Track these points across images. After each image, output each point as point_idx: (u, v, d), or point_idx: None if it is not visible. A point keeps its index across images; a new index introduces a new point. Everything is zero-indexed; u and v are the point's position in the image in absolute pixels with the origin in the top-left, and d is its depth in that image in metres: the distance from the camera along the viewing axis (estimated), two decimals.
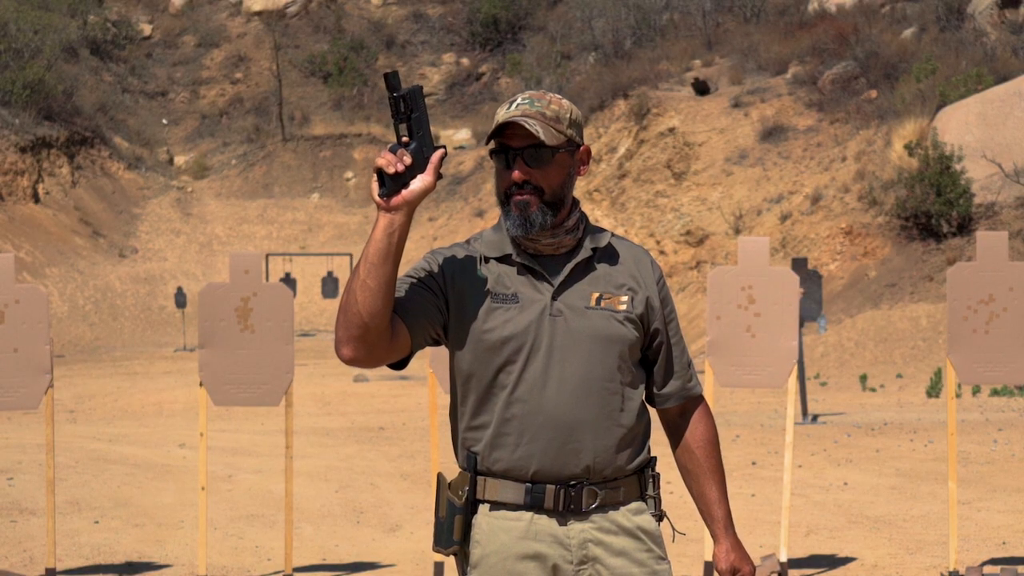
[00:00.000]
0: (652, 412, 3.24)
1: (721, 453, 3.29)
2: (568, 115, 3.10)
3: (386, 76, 2.97)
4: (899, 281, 25.06)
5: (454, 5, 49.37)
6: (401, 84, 2.96)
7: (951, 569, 7.27)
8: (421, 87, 3.00)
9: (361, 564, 8.14)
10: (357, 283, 2.95)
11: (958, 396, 16.88)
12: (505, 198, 3.09)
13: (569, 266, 3.11)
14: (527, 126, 3.02)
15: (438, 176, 2.99)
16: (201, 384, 7.45)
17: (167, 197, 41.99)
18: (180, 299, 31.84)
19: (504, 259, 3.13)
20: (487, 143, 3.08)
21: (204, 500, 7.40)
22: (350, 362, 3.02)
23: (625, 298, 3.13)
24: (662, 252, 30.10)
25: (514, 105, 3.07)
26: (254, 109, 46.64)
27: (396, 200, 2.95)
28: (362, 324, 2.96)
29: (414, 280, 3.09)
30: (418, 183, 2.96)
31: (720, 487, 3.25)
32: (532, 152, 3.05)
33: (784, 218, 28.88)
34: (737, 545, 3.21)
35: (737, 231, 29.28)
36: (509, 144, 3.06)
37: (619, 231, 30.55)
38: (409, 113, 2.97)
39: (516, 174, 3.05)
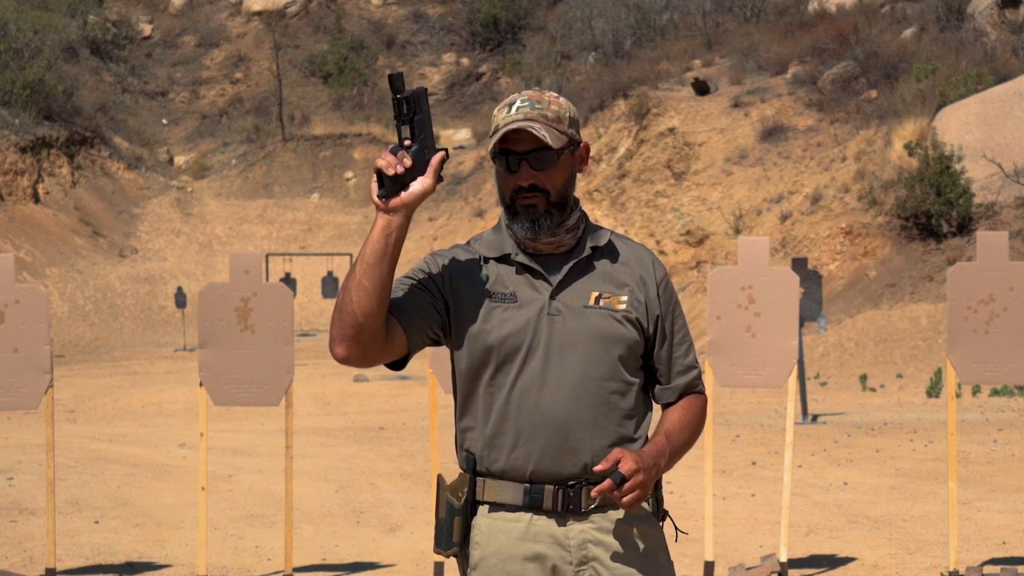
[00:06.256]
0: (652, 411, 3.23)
1: (694, 437, 3.17)
2: (567, 114, 3.10)
3: (390, 77, 2.97)
4: (899, 281, 25.06)
5: (454, 5, 49.35)
6: (405, 86, 2.96)
7: (951, 569, 7.26)
8: (426, 90, 3.00)
9: (361, 564, 8.14)
10: (353, 283, 2.97)
11: (958, 396, 16.88)
12: (510, 201, 3.09)
13: (568, 265, 3.11)
14: (533, 131, 3.01)
15: (438, 179, 3.00)
16: (201, 384, 7.45)
17: (167, 197, 41.99)
18: (180, 299, 31.84)
19: (503, 259, 3.13)
20: (490, 148, 3.07)
21: (204, 500, 7.40)
22: (343, 361, 3.03)
23: (625, 297, 3.12)
24: (662, 252, 30.09)
25: (514, 108, 3.05)
26: (254, 109, 46.64)
27: (395, 202, 2.97)
28: (356, 324, 2.97)
29: (412, 281, 3.10)
30: (417, 186, 2.97)
31: (671, 436, 3.10)
32: (537, 155, 3.04)
33: (784, 218, 28.88)
34: (639, 455, 3.01)
35: (737, 231, 29.28)
36: (513, 148, 3.05)
37: (619, 231, 30.53)
38: (412, 115, 2.98)
39: (524, 179, 3.05)
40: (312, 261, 37.19)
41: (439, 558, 7.44)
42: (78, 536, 8.80)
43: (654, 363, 3.19)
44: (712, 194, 30.90)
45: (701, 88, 34.10)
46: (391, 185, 2.97)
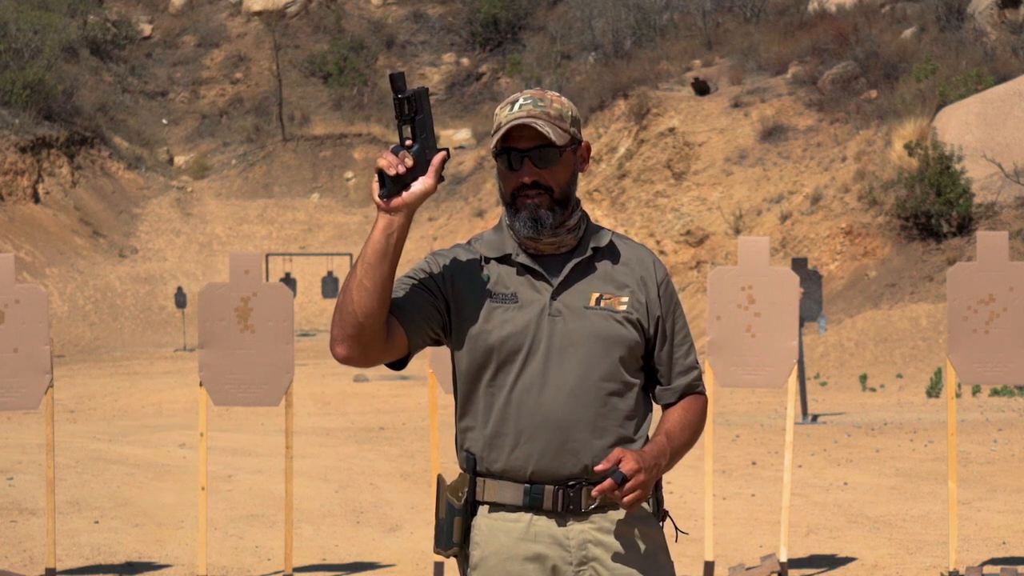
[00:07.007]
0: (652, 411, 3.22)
1: (695, 437, 3.18)
2: (569, 113, 3.11)
3: (391, 77, 2.97)
4: (899, 281, 25.06)
5: (454, 5, 49.36)
6: (406, 85, 2.96)
7: (951, 569, 7.26)
8: (427, 89, 3.00)
9: (361, 564, 8.14)
10: (354, 282, 2.96)
11: (958, 396, 16.88)
12: (512, 199, 3.09)
13: (569, 266, 3.11)
14: (537, 127, 3.02)
15: (439, 179, 2.99)
16: (201, 384, 7.45)
17: (167, 197, 41.99)
18: (180, 299, 31.85)
19: (504, 259, 3.13)
20: (493, 146, 3.07)
21: (204, 500, 7.40)
22: (344, 361, 3.03)
23: (625, 298, 3.12)
24: (662, 252, 30.10)
25: (517, 106, 3.06)
26: (254, 109, 46.64)
27: (396, 202, 2.96)
28: (357, 324, 2.96)
29: (413, 281, 3.10)
30: (418, 185, 2.97)
31: (672, 436, 3.11)
32: (540, 152, 3.04)
33: (784, 218, 28.88)
34: (639, 455, 3.01)
35: (737, 231, 29.28)
36: (516, 146, 3.05)
37: (619, 231, 30.44)
38: (413, 115, 2.98)
39: (527, 175, 3.05)
40: (312, 261, 37.19)
41: (439, 558, 7.44)
42: (78, 536, 8.80)
43: (654, 364, 3.19)
44: (712, 194, 30.89)
45: (701, 88, 34.10)
46: (392, 185, 2.96)
